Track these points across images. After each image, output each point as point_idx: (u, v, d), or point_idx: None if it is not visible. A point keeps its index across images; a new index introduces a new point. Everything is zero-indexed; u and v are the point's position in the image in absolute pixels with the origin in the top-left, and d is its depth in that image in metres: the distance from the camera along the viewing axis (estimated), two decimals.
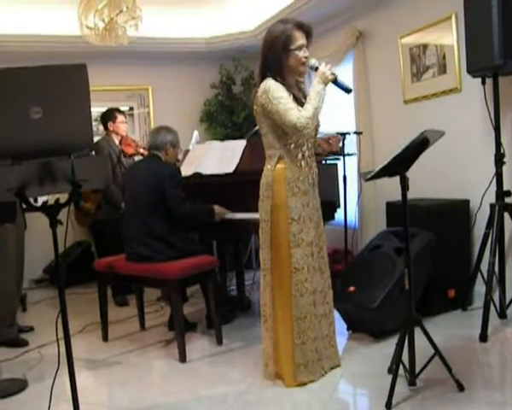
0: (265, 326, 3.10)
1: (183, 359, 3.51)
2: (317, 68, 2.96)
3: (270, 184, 2.99)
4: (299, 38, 2.95)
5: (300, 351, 2.98)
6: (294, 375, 2.99)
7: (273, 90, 2.88)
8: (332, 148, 3.25)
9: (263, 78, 2.98)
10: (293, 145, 2.98)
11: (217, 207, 3.81)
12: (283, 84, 2.93)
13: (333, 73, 2.92)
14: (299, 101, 2.98)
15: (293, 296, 2.97)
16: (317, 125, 3.10)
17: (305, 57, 2.97)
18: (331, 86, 2.97)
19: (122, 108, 5.77)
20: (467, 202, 4.17)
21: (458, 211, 4.14)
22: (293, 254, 2.96)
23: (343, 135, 4.57)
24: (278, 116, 2.87)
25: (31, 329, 4.40)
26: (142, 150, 5.26)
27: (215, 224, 3.84)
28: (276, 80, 2.92)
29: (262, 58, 3.00)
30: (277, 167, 2.98)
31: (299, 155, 3.00)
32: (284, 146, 2.98)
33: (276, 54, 2.93)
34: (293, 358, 2.98)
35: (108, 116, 5.37)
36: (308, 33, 2.99)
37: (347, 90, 2.97)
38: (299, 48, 2.94)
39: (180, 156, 4.41)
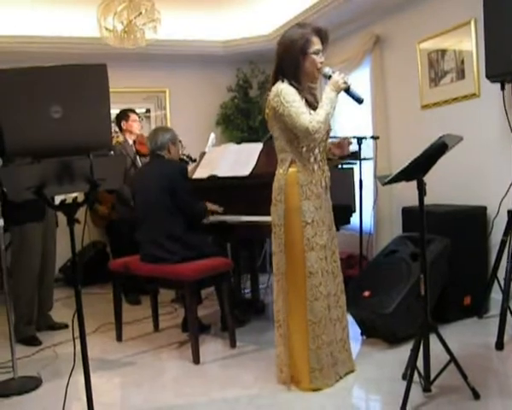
0: (279, 332, 3.08)
1: (196, 361, 3.51)
2: (330, 77, 2.97)
3: (283, 187, 2.98)
4: (317, 43, 2.95)
5: (315, 356, 2.96)
6: (309, 380, 2.97)
7: (285, 94, 2.87)
8: (343, 151, 3.24)
9: (276, 81, 2.98)
10: (304, 149, 2.97)
11: (209, 205, 3.91)
12: (297, 88, 2.93)
13: (345, 82, 2.92)
14: (312, 105, 2.98)
15: (308, 301, 2.96)
16: (329, 130, 3.09)
17: (321, 63, 2.97)
18: (343, 95, 2.97)
19: (139, 110, 5.83)
20: (484, 208, 4.13)
21: (475, 217, 4.10)
22: (308, 258, 2.95)
23: (359, 139, 4.55)
24: (290, 119, 2.86)
25: (65, 326, 4.39)
26: None
27: (229, 226, 3.86)
28: (291, 84, 2.92)
29: (277, 61, 3.00)
30: (290, 171, 2.98)
31: (312, 159, 3.00)
32: (296, 149, 2.97)
33: (293, 57, 2.92)
34: (308, 363, 2.97)
35: (122, 116, 5.44)
36: (324, 39, 3.00)
37: (359, 101, 2.95)
38: (316, 52, 2.95)
39: (182, 150, 4.42)
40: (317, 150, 3.02)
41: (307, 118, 2.83)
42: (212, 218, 3.95)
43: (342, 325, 3.16)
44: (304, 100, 2.93)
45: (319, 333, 2.97)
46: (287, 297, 3.02)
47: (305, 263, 2.95)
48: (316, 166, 3.01)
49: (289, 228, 2.98)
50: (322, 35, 2.99)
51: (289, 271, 3.01)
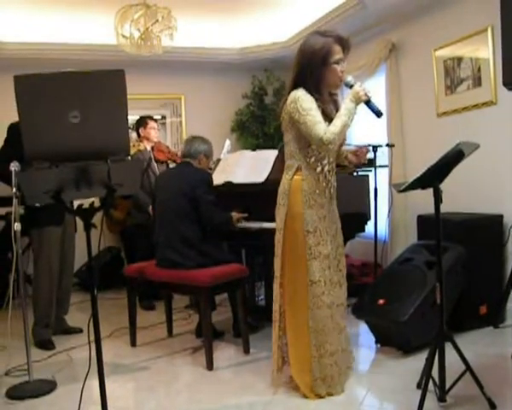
0: (276, 332, 3.13)
1: (210, 367, 3.51)
2: (351, 86, 2.95)
3: (287, 193, 3.00)
4: (338, 52, 2.94)
5: (318, 365, 2.96)
6: (311, 387, 2.97)
7: (302, 101, 2.87)
8: (360, 160, 3.23)
9: (294, 87, 2.97)
10: (313, 158, 2.98)
11: (234, 214, 3.87)
12: (316, 98, 2.92)
13: (366, 94, 2.90)
14: (329, 116, 2.95)
15: (310, 309, 2.95)
16: (343, 140, 3.08)
17: (341, 71, 2.97)
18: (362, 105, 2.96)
19: (155, 117, 5.86)
20: (500, 216, 4.10)
21: (491, 226, 4.07)
22: (310, 266, 2.95)
23: (375, 147, 4.54)
24: (305, 127, 2.86)
25: (80, 331, 4.42)
26: (174, 157, 5.34)
27: (245, 232, 3.86)
28: (311, 93, 2.90)
29: (298, 68, 2.97)
30: (295, 178, 2.99)
31: (318, 169, 2.99)
32: (304, 157, 2.98)
33: (315, 66, 2.91)
34: (311, 372, 2.96)
35: (140, 123, 5.51)
36: (346, 48, 2.99)
37: (378, 114, 2.92)
38: (338, 62, 2.94)
39: (211, 164, 4.44)
40: (325, 161, 3.01)
41: (322, 128, 2.82)
42: (241, 224, 3.92)
43: (347, 335, 3.19)
44: (320, 109, 2.92)
45: (322, 342, 2.96)
46: (283, 301, 3.07)
47: (307, 272, 2.95)
48: (321, 177, 3.01)
49: (290, 233, 3.00)
50: (344, 44, 2.98)
51: (287, 275, 3.04)
